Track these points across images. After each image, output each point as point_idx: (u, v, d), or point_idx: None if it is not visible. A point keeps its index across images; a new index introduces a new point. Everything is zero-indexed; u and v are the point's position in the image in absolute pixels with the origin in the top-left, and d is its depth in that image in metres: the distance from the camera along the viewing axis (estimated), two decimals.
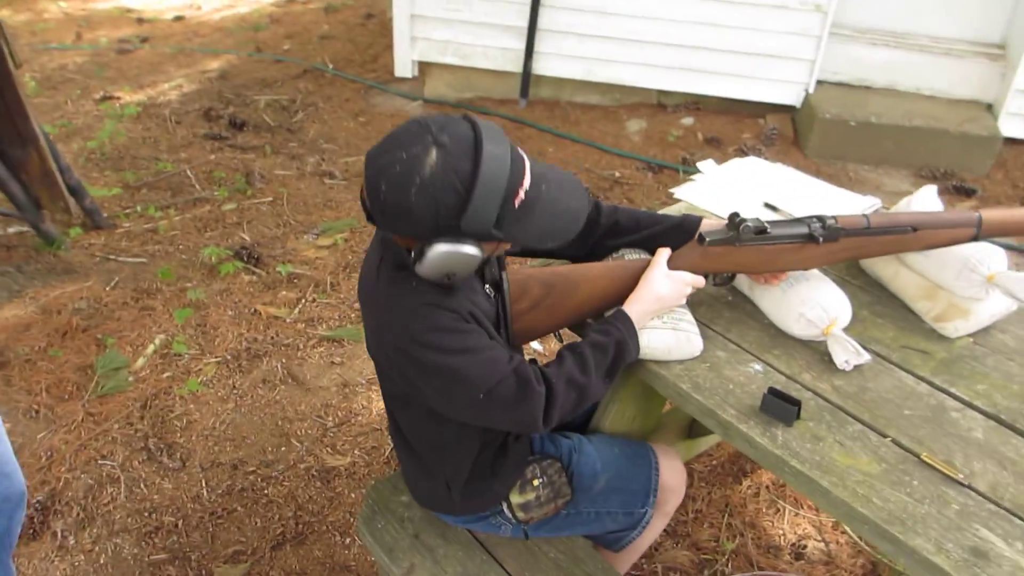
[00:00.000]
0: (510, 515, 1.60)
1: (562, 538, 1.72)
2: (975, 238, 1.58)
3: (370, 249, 1.50)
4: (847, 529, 2.28)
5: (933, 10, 4.41)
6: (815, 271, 1.64)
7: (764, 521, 2.30)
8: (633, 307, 1.49)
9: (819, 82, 4.47)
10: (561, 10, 4.37)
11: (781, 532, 2.28)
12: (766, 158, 4.29)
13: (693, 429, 2.20)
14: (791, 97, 4.51)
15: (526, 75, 4.55)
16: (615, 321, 1.47)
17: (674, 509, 1.82)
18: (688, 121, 4.61)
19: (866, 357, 1.53)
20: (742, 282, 1.73)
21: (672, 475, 1.76)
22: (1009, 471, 1.35)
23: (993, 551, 1.20)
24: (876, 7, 4.44)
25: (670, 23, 4.35)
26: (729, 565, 2.17)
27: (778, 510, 2.34)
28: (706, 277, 1.57)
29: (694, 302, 1.67)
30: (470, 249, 1.26)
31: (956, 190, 4.13)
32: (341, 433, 2.51)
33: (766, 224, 1.53)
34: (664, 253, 1.54)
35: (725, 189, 2.13)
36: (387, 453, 2.45)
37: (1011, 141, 4.34)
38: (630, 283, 1.52)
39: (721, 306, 1.71)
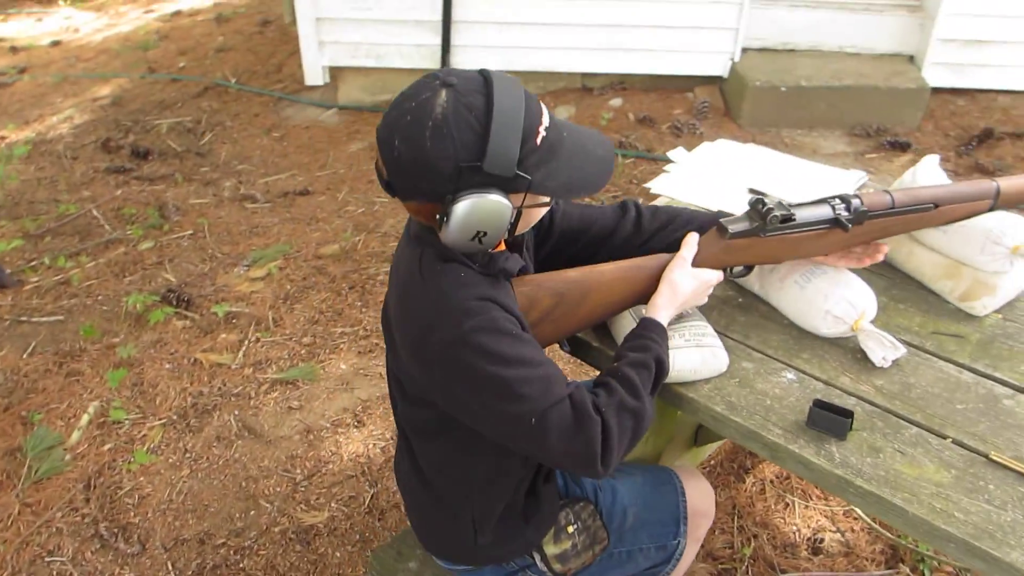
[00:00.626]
0: (544, 568, 1.44)
1: None
2: (992, 208, 1.48)
3: (399, 254, 1.31)
4: (860, 514, 2.19)
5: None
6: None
7: (775, 519, 2.20)
8: (661, 313, 1.33)
9: (744, 50, 4.41)
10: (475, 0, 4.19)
11: (795, 528, 2.18)
12: (701, 132, 4.23)
13: (699, 436, 2.08)
14: (718, 68, 4.43)
15: None
16: (649, 333, 1.30)
17: (705, 533, 1.69)
18: (617, 102, 4.49)
19: (902, 350, 1.41)
20: (751, 281, 1.60)
21: (700, 498, 1.62)
22: None
23: None
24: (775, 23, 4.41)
25: (589, 3, 4.21)
26: (749, 572, 2.06)
27: (787, 504, 2.24)
28: (724, 271, 1.43)
29: (703, 308, 1.53)
30: (497, 197, 1.12)
31: (891, 145, 4.12)
32: (313, 486, 2.30)
33: (792, 211, 1.39)
34: (691, 246, 1.37)
35: (703, 177, 2.00)
36: (367, 502, 2.24)
37: (937, 91, 4.37)
38: (647, 284, 1.36)
39: (732, 310, 1.57)
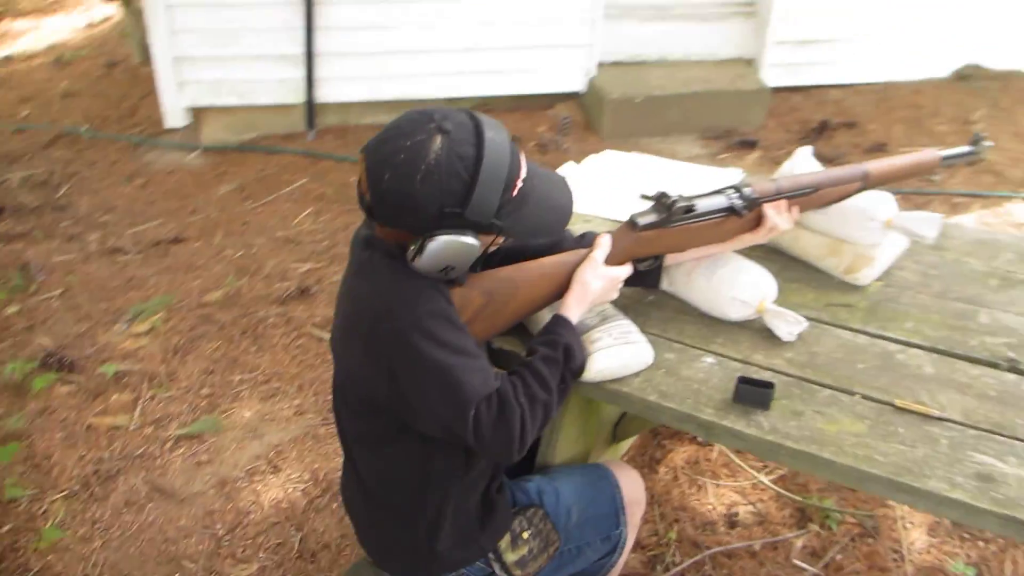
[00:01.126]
0: (504, 575, 1.49)
1: None
2: (862, 189, 1.66)
3: (353, 254, 1.38)
4: (767, 483, 2.35)
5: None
6: (728, 253, 1.65)
7: (691, 501, 2.33)
8: (572, 311, 1.42)
9: (599, 65, 4.61)
10: (337, 31, 4.19)
11: (711, 507, 2.31)
12: (566, 148, 4.40)
13: (616, 434, 2.18)
14: (576, 84, 4.62)
15: (310, 105, 4.33)
16: (559, 329, 1.40)
17: (640, 520, 1.78)
18: None
19: (804, 323, 1.56)
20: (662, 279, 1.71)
21: (632, 487, 1.71)
22: (970, 395, 1.42)
23: (996, 471, 1.26)
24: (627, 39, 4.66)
25: (448, 29, 4.31)
26: (677, 554, 2.17)
27: (700, 486, 2.37)
28: (633, 264, 1.53)
29: (622, 308, 1.63)
30: (471, 239, 1.22)
31: (740, 144, 4.43)
32: (237, 539, 2.24)
33: (693, 202, 1.51)
34: (603, 247, 1.46)
35: (595, 188, 2.11)
36: (296, 547, 2.21)
37: (776, 90, 4.71)
38: (565, 278, 1.45)
39: (647, 307, 1.68)
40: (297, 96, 4.31)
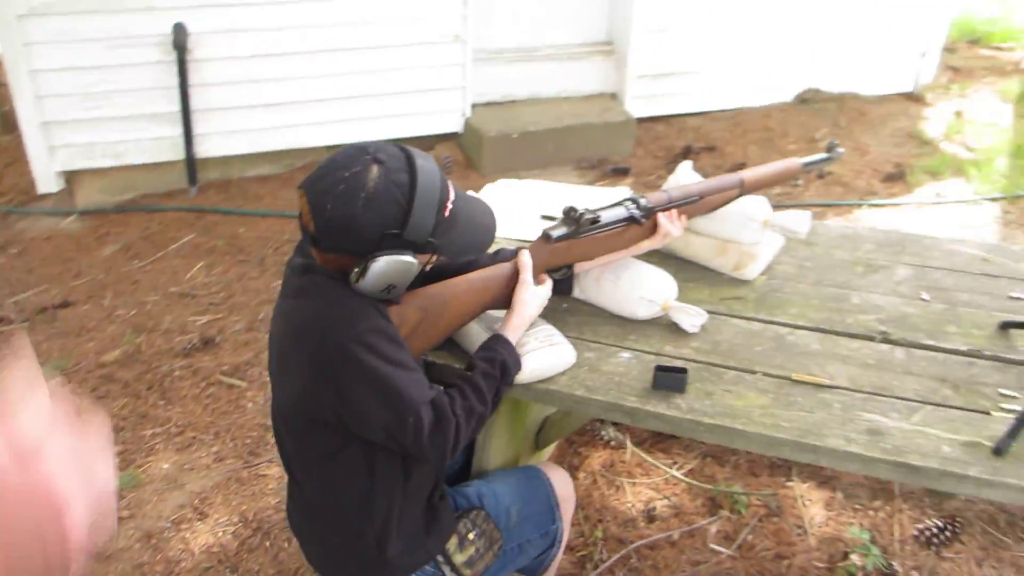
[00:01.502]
0: None
1: None
2: (740, 195, 1.86)
3: (288, 281, 1.46)
4: (679, 476, 2.52)
5: (549, 23, 4.95)
6: (630, 259, 1.81)
7: (612, 502, 2.46)
8: (512, 331, 1.55)
9: (473, 105, 4.80)
10: (213, 87, 4.20)
11: (630, 504, 2.45)
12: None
13: (539, 440, 2.29)
14: (453, 125, 4.78)
15: (190, 161, 4.30)
16: (497, 346, 1.52)
17: (571, 515, 1.90)
18: None
19: (705, 316, 1.73)
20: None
21: (562, 484, 1.83)
22: (853, 364, 1.62)
23: (882, 426, 1.45)
24: (505, 29, 4.87)
25: (326, 78, 4.39)
26: (604, 551, 2.30)
27: (618, 487, 2.52)
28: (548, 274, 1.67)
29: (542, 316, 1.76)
30: (410, 259, 1.33)
31: (614, 172, 4.69)
32: None
33: (598, 213, 1.66)
34: (528, 267, 1.59)
35: (498, 213, 2.24)
36: None
37: (640, 120, 5.02)
38: (494, 293, 1.57)
39: (562, 314, 1.81)
40: (176, 153, 4.28)
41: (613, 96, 5.10)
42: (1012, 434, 1.40)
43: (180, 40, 4.01)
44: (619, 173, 4.68)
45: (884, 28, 5.50)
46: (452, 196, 1.39)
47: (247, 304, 3.45)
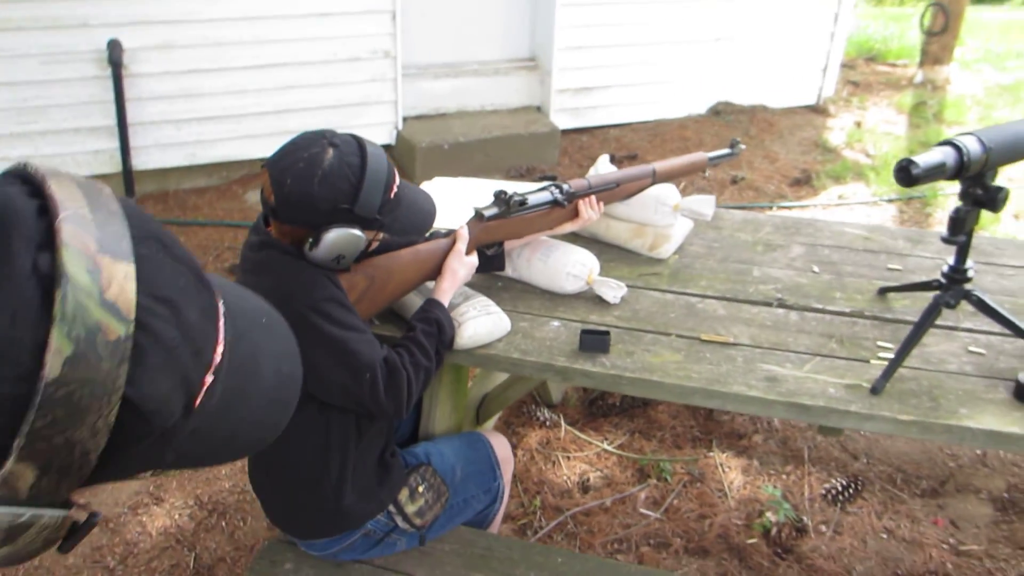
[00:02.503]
0: (406, 525, 1.73)
1: (446, 534, 1.88)
2: (653, 183, 2.08)
3: (245, 259, 1.61)
4: (610, 449, 2.72)
5: (476, 40, 5.18)
6: (556, 241, 2.01)
7: (549, 475, 2.65)
8: (445, 295, 1.74)
9: (404, 119, 4.98)
10: (149, 101, 4.28)
11: (566, 477, 2.65)
12: None
13: (479, 415, 2.47)
14: (385, 137, 4.95)
15: (127, 174, 4.36)
16: (432, 308, 1.70)
17: (511, 475, 2.08)
18: None
19: (625, 288, 1.94)
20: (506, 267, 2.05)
21: (501, 447, 2.01)
22: (753, 326, 1.85)
23: (778, 375, 1.67)
24: (433, 45, 5.08)
25: (260, 92, 4.52)
26: (543, 519, 2.48)
27: (554, 462, 2.71)
28: (481, 251, 1.86)
29: (479, 290, 1.94)
30: (359, 232, 1.50)
31: (542, 180, 4.90)
32: (129, 567, 2.30)
33: (526, 196, 1.86)
34: (464, 238, 1.78)
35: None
36: (192, 565, 2.31)
37: (565, 132, 5.28)
38: (432, 264, 1.75)
39: (497, 291, 2.00)
40: (113, 166, 4.34)
41: (538, 109, 5.34)
42: (885, 375, 1.64)
43: (115, 56, 4.09)
44: (547, 179, 4.90)
45: (788, 46, 5.90)
46: (397, 181, 1.57)
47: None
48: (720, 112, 5.89)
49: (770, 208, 4.65)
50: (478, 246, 1.83)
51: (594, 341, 1.75)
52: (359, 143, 1.52)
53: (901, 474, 2.71)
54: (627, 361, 1.72)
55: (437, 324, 1.67)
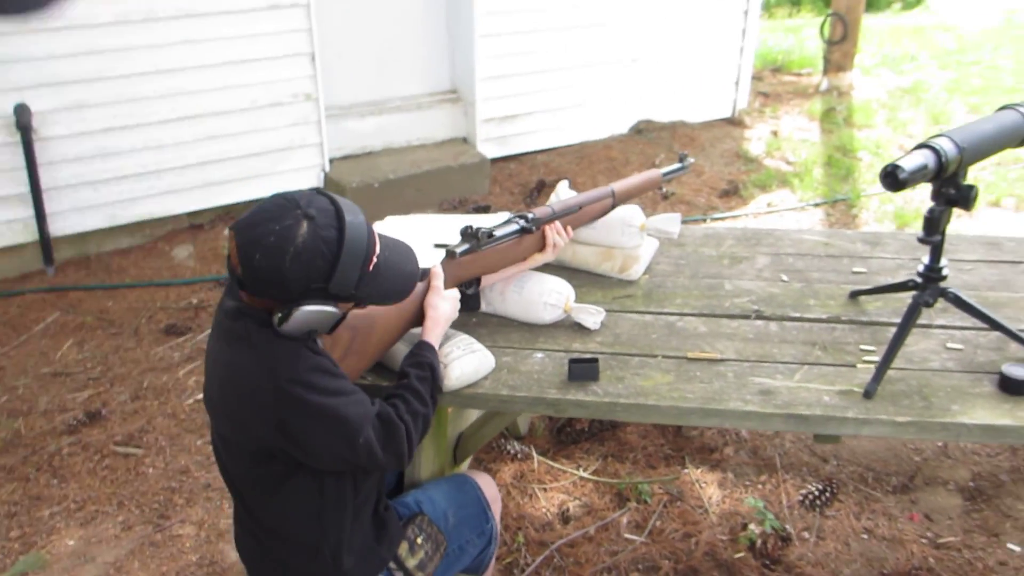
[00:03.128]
0: None
1: None
2: (614, 206, 2.07)
3: (220, 324, 1.48)
4: (586, 476, 2.68)
5: (395, 75, 5.14)
6: (529, 272, 1.97)
7: (528, 509, 2.59)
8: (432, 335, 1.67)
9: (331, 160, 4.88)
10: (62, 164, 4.08)
11: (545, 509, 2.59)
12: None
13: (456, 455, 2.39)
14: (313, 180, 4.84)
15: (45, 241, 4.13)
16: (423, 351, 1.63)
17: (499, 514, 2.01)
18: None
19: (603, 313, 1.91)
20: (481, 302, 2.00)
21: (488, 487, 1.95)
22: (736, 340, 1.85)
23: (772, 387, 1.67)
24: (354, 85, 5.01)
25: (180, 145, 4.36)
26: (527, 555, 2.42)
27: (531, 495, 2.65)
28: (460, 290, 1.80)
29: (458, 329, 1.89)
30: (332, 308, 1.39)
31: (476, 210, 4.88)
32: None
33: (492, 228, 1.81)
34: (439, 276, 1.71)
35: None
36: None
37: (494, 160, 5.26)
38: (413, 305, 1.67)
39: (474, 327, 1.95)
40: (29, 235, 4.11)
41: (464, 140, 5.32)
42: (876, 379, 1.65)
43: (24, 120, 3.89)
44: (480, 210, 4.87)
45: (701, 62, 6.05)
46: (378, 249, 1.44)
47: (128, 374, 3.36)
48: (642, 130, 5.98)
49: (704, 220, 4.72)
50: (456, 284, 1.77)
51: (583, 370, 1.72)
52: (336, 211, 1.37)
53: (871, 472, 2.75)
54: (619, 387, 1.69)
55: (430, 368, 1.60)
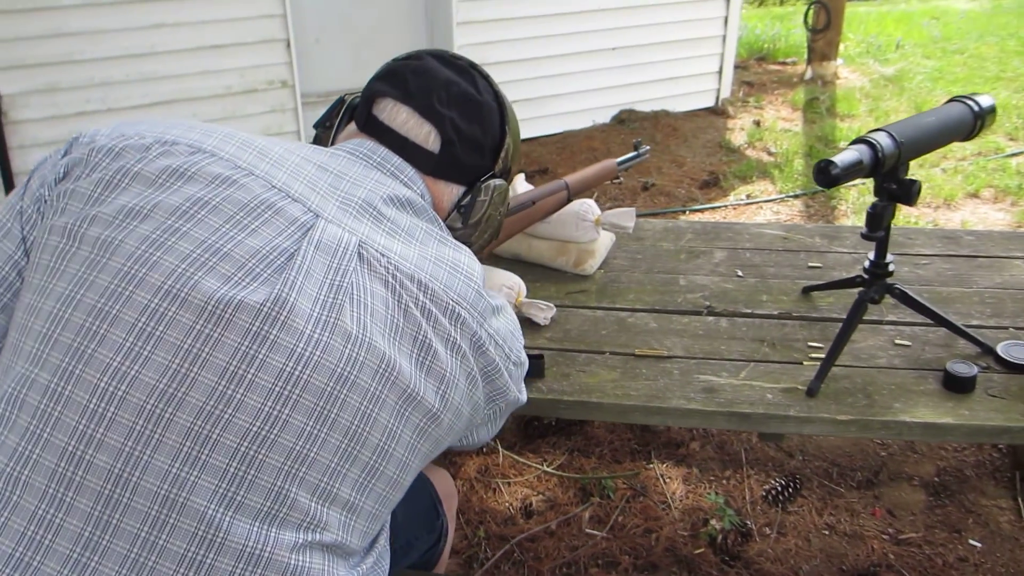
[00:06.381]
0: None
1: None
2: (569, 199, 2.05)
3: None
4: (550, 471, 2.68)
5: (372, 63, 4.92)
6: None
7: (490, 504, 2.58)
8: None
9: None
10: (33, 147, 4.08)
11: (507, 503, 2.59)
12: None
13: None
14: None
15: None
16: None
17: (455, 511, 2.00)
18: None
19: (554, 309, 1.90)
20: None
21: (443, 482, 1.94)
22: (686, 336, 1.83)
23: (716, 384, 1.66)
24: (330, 72, 4.99)
25: None
26: (487, 549, 2.41)
27: (494, 489, 2.64)
28: None
29: None
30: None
31: None
32: None
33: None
34: None
35: None
36: None
37: None
38: None
39: None
40: None
41: None
42: (819, 377, 1.64)
43: None
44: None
45: (684, 51, 6.03)
46: None
47: None
48: (624, 120, 5.96)
49: (683, 212, 4.70)
50: None
51: (529, 367, 1.70)
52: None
53: (836, 468, 2.74)
54: (563, 384, 1.68)
55: None
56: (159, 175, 1.00)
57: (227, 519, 0.92)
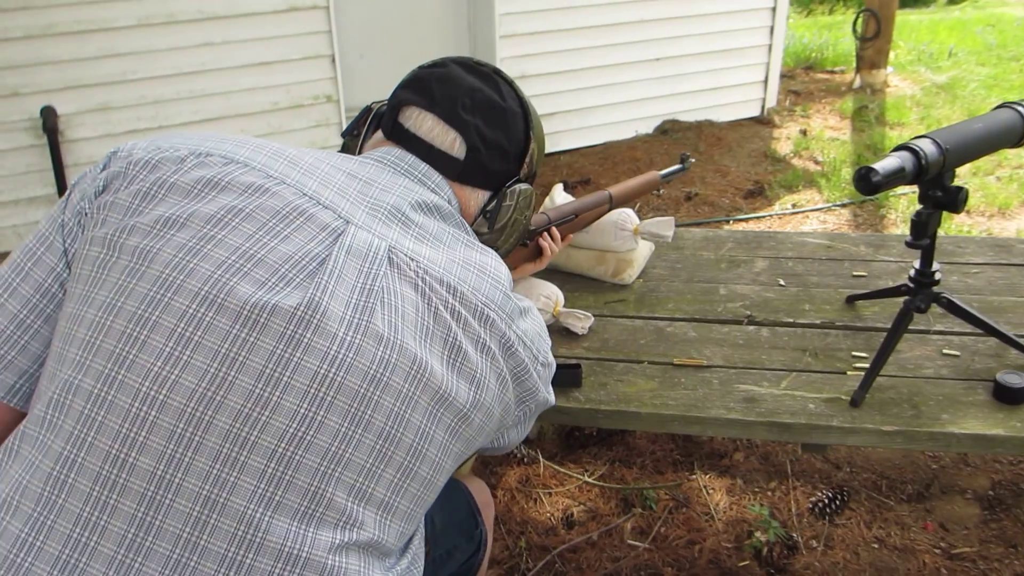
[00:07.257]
0: None
1: None
2: (611, 208, 2.05)
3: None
4: (591, 481, 2.66)
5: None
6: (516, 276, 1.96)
7: (531, 514, 2.58)
8: None
9: None
10: (87, 165, 4.02)
11: (549, 514, 2.58)
12: None
13: None
14: None
15: None
16: None
17: (492, 521, 2.00)
18: None
19: (592, 318, 1.89)
20: None
21: (480, 492, 1.94)
22: (725, 346, 1.81)
23: (755, 394, 1.64)
24: (374, 86, 5.02)
25: None
26: (529, 560, 2.40)
27: (535, 499, 2.64)
28: None
29: None
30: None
31: None
32: None
33: None
34: None
35: None
36: None
37: None
38: None
39: None
40: None
41: None
42: (863, 386, 1.61)
43: (50, 123, 4.00)
44: None
45: (729, 61, 5.98)
46: None
47: None
48: (668, 131, 5.93)
49: (727, 222, 4.66)
50: None
51: (565, 376, 1.70)
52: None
53: (885, 480, 2.68)
54: (601, 393, 1.67)
55: None
56: (194, 185, 1.03)
57: (266, 519, 0.94)
